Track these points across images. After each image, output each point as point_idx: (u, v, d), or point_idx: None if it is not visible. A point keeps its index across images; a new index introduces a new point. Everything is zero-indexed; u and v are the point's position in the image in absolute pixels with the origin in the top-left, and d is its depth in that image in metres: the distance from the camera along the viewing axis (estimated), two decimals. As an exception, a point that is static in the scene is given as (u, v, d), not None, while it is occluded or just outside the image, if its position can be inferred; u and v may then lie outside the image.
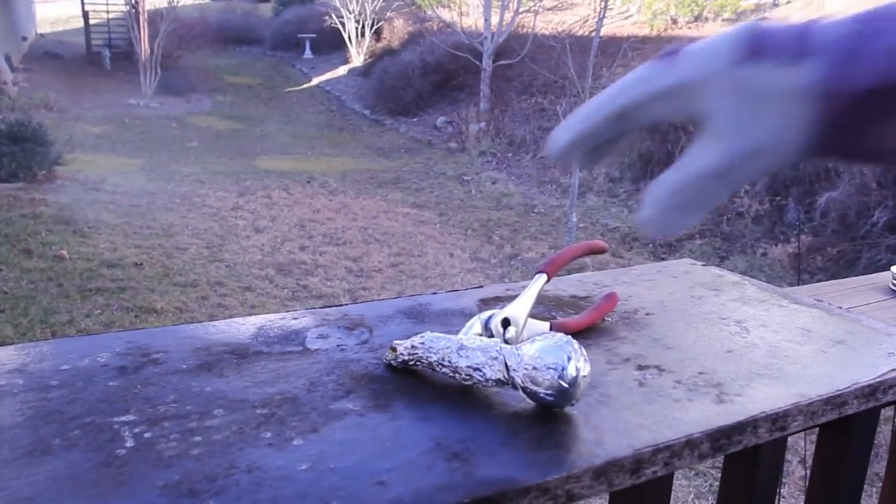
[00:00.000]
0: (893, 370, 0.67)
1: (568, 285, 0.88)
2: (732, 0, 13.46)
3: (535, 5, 13.21)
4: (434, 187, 9.35)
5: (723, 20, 13.32)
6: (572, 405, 0.54)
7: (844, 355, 0.70)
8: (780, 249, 6.62)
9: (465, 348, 0.57)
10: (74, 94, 12.93)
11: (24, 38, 17.30)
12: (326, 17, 16.88)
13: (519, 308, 0.70)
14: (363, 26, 16.81)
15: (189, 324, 0.68)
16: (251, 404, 0.54)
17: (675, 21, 13.67)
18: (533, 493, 0.46)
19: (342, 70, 17.17)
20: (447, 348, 0.58)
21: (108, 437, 0.49)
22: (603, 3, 7.79)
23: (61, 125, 9.96)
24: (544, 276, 0.75)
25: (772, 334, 0.74)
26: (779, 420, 0.59)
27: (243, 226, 6.96)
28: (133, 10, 14.56)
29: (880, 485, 0.99)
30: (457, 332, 0.63)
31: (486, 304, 0.80)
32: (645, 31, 13.33)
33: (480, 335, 0.67)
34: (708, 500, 3.21)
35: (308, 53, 18.72)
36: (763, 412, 0.58)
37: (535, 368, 0.53)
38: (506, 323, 0.68)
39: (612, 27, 13.34)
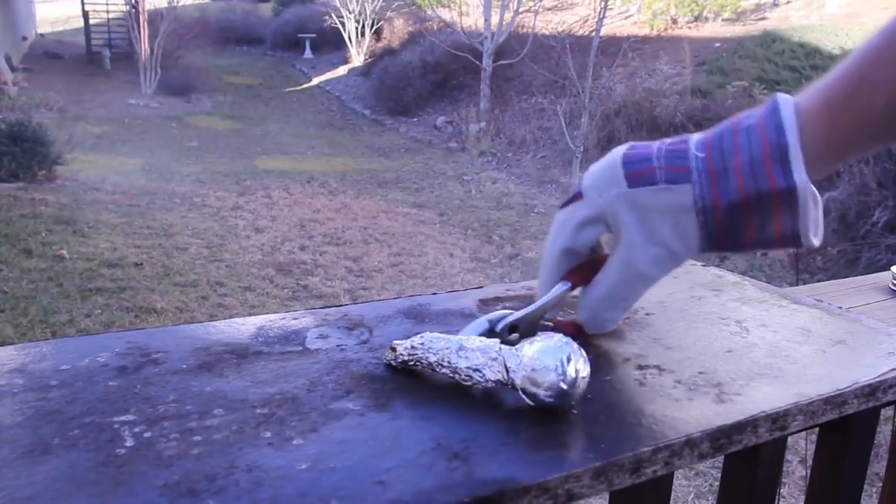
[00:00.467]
0: (893, 370, 0.67)
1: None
2: (732, 0, 13.47)
3: (535, 5, 13.21)
4: (434, 187, 9.35)
5: (723, 20, 13.33)
6: (572, 406, 0.54)
7: (844, 355, 0.70)
8: (780, 249, 6.61)
9: (465, 349, 0.58)
10: (74, 94, 12.93)
11: (24, 38, 17.31)
12: (326, 17, 16.88)
13: (530, 316, 0.68)
14: (363, 26, 16.81)
15: (189, 324, 0.68)
16: (251, 404, 0.54)
17: (675, 21, 13.67)
18: (533, 493, 0.46)
19: (342, 70, 17.17)
20: (447, 349, 0.58)
21: (107, 436, 0.49)
22: (603, 3, 7.79)
23: (61, 125, 9.97)
24: (567, 285, 0.70)
25: (772, 334, 0.74)
26: (779, 420, 0.59)
27: (243, 226, 6.96)
28: (133, 10, 14.57)
29: (880, 485, 0.99)
30: (457, 333, 0.63)
31: (486, 304, 0.80)
32: (645, 31, 13.34)
33: (484, 335, 0.66)
34: (708, 499, 3.21)
35: (308, 53, 18.72)
36: (763, 412, 0.58)
37: (534, 370, 0.53)
38: (513, 330, 0.68)
39: (612, 27, 13.34)
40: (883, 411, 0.75)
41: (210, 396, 0.55)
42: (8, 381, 0.56)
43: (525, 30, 13.23)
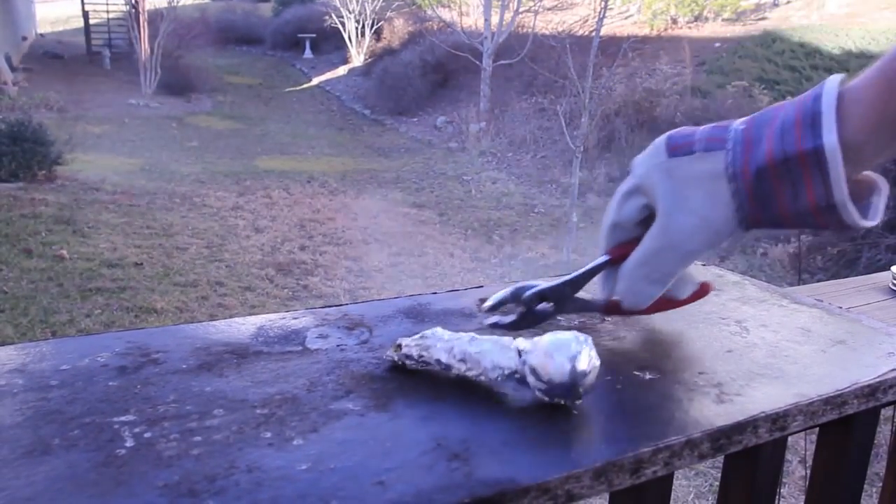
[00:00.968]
0: (893, 370, 0.67)
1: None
2: (732, 0, 13.47)
3: (535, 5, 13.21)
4: (434, 187, 9.35)
5: (723, 20, 13.33)
6: (578, 401, 0.55)
7: (844, 355, 0.70)
8: (781, 249, 6.62)
9: (477, 340, 0.58)
10: (74, 94, 12.93)
11: (24, 38, 17.30)
12: (326, 17, 16.88)
13: (560, 288, 0.68)
14: (363, 26, 16.81)
15: (189, 324, 0.68)
16: (251, 404, 0.54)
17: (675, 21, 13.67)
18: (533, 493, 0.46)
19: (342, 70, 17.17)
20: (458, 339, 0.59)
21: (107, 436, 0.49)
22: (603, 3, 7.79)
23: (61, 125, 9.97)
24: (605, 259, 0.69)
25: (772, 334, 0.74)
26: (779, 420, 0.59)
27: (243, 226, 6.96)
28: (133, 10, 14.56)
29: (880, 485, 0.99)
30: (457, 332, 0.63)
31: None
32: (645, 31, 13.34)
33: (506, 302, 0.68)
34: (708, 500, 3.21)
35: (308, 53, 18.72)
36: (763, 412, 0.58)
37: (545, 362, 0.53)
38: (542, 299, 0.67)
39: (612, 27, 13.34)
40: (883, 411, 0.75)
41: (210, 396, 0.55)
42: (8, 381, 0.56)
43: (525, 30, 13.23)
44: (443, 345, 0.59)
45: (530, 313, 0.69)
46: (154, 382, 0.57)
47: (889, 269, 1.11)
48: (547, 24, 13.81)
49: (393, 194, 8.80)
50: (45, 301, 4.76)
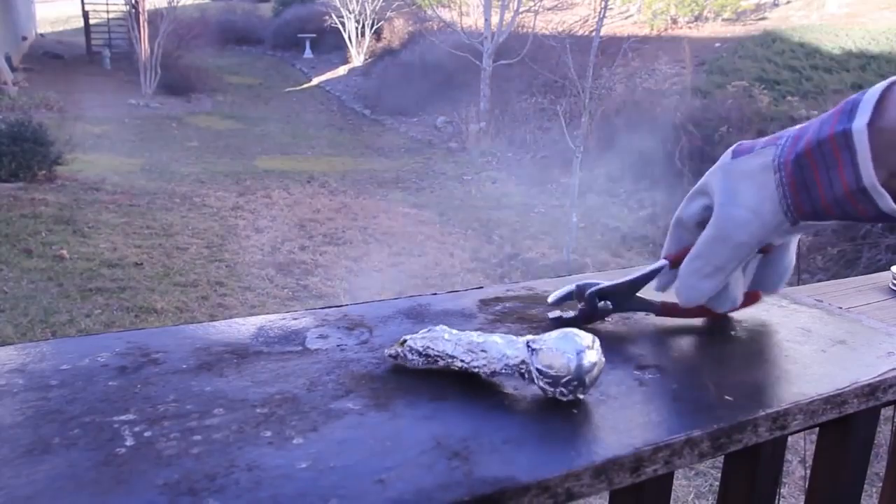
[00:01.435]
0: (893, 370, 0.67)
1: (568, 285, 0.88)
2: (732, 0, 13.47)
3: (535, 5, 13.22)
4: (434, 187, 9.36)
5: (723, 20, 13.33)
6: (581, 396, 0.55)
7: (844, 355, 0.70)
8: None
9: (484, 333, 0.59)
10: (75, 94, 12.93)
11: (24, 38, 17.30)
12: (326, 17, 16.89)
13: (619, 288, 0.71)
14: (363, 26, 16.82)
15: (189, 324, 0.68)
16: (251, 404, 0.54)
17: (675, 21, 13.68)
18: (533, 492, 0.46)
19: (342, 70, 17.18)
20: (464, 333, 0.60)
21: (108, 436, 0.49)
22: (603, 3, 7.80)
23: (61, 125, 9.97)
24: (664, 263, 0.72)
25: (772, 334, 0.74)
26: (779, 419, 0.59)
27: (243, 226, 6.96)
28: (133, 10, 14.57)
29: (880, 485, 0.99)
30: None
31: (486, 304, 0.80)
32: (645, 31, 13.34)
33: (569, 298, 0.72)
34: (708, 499, 3.21)
35: (308, 53, 18.72)
36: (763, 412, 0.58)
37: (554, 350, 0.54)
38: (602, 297, 0.71)
39: (612, 27, 13.35)
40: (883, 411, 0.75)
41: (210, 396, 0.55)
42: (8, 380, 0.56)
43: (525, 30, 13.23)
44: (450, 336, 0.59)
45: (591, 310, 0.72)
46: (154, 382, 0.57)
47: (889, 269, 1.11)
48: (547, 24, 13.81)
49: (393, 194, 8.80)
50: (45, 301, 4.76)
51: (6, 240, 5.72)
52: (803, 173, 0.60)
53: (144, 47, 14.12)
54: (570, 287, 0.72)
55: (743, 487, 0.73)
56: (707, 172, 0.70)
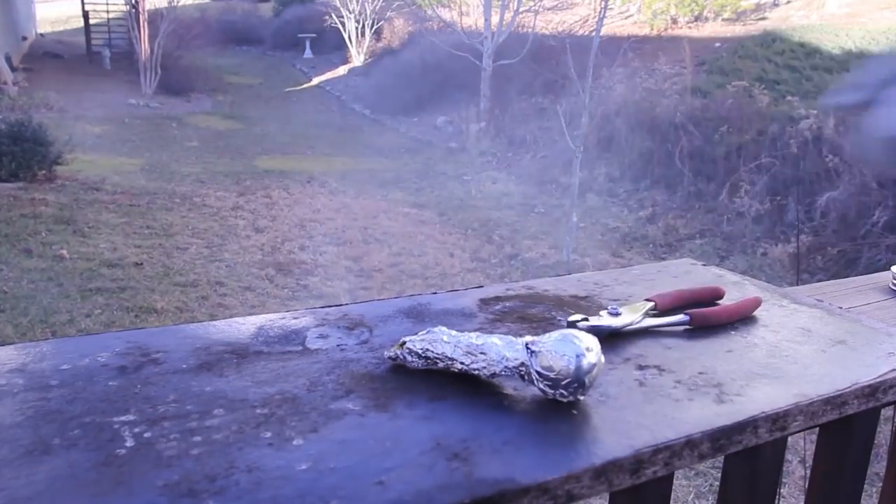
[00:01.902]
0: (893, 370, 0.67)
1: (568, 285, 0.88)
2: (732, 0, 13.46)
3: (535, 5, 13.21)
4: (434, 187, 9.35)
5: (723, 20, 13.32)
6: (581, 396, 0.55)
7: (844, 355, 0.70)
8: (781, 249, 6.62)
9: (483, 335, 0.59)
10: (74, 93, 12.93)
11: (25, 38, 17.30)
12: (326, 17, 16.88)
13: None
14: (363, 26, 16.81)
15: (189, 324, 0.68)
16: (251, 404, 0.54)
17: (675, 21, 13.67)
18: (533, 493, 0.46)
19: (342, 70, 17.17)
20: (463, 334, 0.59)
21: (108, 436, 0.49)
22: (603, 3, 7.79)
23: (61, 125, 9.96)
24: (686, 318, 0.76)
25: (772, 334, 0.74)
26: (779, 420, 0.59)
27: (243, 225, 6.96)
28: (133, 10, 14.56)
29: (880, 485, 0.99)
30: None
31: (486, 303, 0.80)
32: (645, 31, 13.33)
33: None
34: (708, 500, 3.21)
35: (308, 53, 18.72)
36: (763, 412, 0.58)
37: (553, 352, 0.54)
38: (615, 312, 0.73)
39: (612, 27, 13.34)
40: (883, 411, 0.75)
41: (210, 396, 0.55)
42: (8, 380, 0.56)
43: (525, 30, 13.22)
44: (449, 338, 0.59)
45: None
46: (154, 382, 0.57)
47: (889, 269, 1.11)
48: (547, 24, 13.81)
49: (393, 194, 8.80)
50: (45, 301, 4.76)
51: (6, 240, 5.72)
52: None
53: (144, 47, 14.11)
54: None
55: (743, 487, 0.72)
56: None
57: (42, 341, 0.63)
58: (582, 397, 0.55)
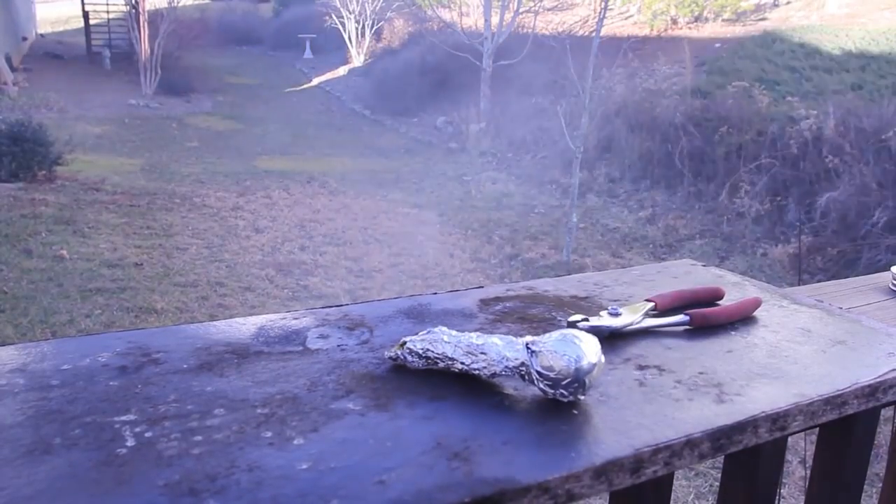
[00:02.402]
0: (893, 370, 0.67)
1: (569, 286, 0.88)
2: (732, 0, 13.46)
3: (535, 5, 13.21)
4: (434, 187, 9.35)
5: (723, 20, 13.33)
6: (581, 396, 0.55)
7: (844, 355, 0.70)
8: (781, 249, 6.62)
9: (483, 335, 0.59)
10: (75, 94, 12.93)
11: (25, 39, 17.30)
12: (326, 18, 16.89)
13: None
14: (363, 26, 16.81)
15: (189, 324, 0.68)
16: (252, 404, 0.54)
17: (675, 21, 13.67)
18: (533, 493, 0.46)
19: (342, 70, 17.17)
20: (464, 334, 0.59)
21: (108, 436, 0.49)
22: (603, 4, 7.79)
23: (61, 125, 9.97)
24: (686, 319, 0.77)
25: (772, 334, 0.74)
26: (779, 420, 0.59)
27: (243, 226, 6.96)
28: (133, 11, 14.56)
29: (880, 485, 0.99)
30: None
31: (486, 304, 0.80)
32: (645, 32, 13.34)
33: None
34: (708, 500, 3.21)
35: (308, 53, 18.72)
36: (763, 412, 0.58)
37: (553, 352, 0.54)
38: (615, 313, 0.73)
39: (612, 27, 13.34)
40: (883, 411, 0.75)
41: (211, 396, 0.55)
42: (9, 380, 0.56)
43: (525, 30, 13.22)
44: (449, 339, 0.59)
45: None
46: (155, 382, 0.57)
47: (889, 269, 1.11)
48: (547, 24, 13.81)
49: (393, 194, 8.80)
50: (45, 301, 4.76)
51: (6, 240, 5.72)
52: None
53: (144, 47, 14.11)
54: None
55: (743, 488, 0.73)
56: None
57: (43, 341, 0.63)
58: (582, 397, 0.55)
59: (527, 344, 0.56)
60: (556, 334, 0.56)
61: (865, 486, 0.80)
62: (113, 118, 12.02)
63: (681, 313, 0.75)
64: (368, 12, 16.61)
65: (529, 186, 9.41)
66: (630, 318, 0.73)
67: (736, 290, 0.88)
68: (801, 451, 3.33)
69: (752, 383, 0.62)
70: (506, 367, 0.57)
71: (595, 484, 0.49)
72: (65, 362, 0.59)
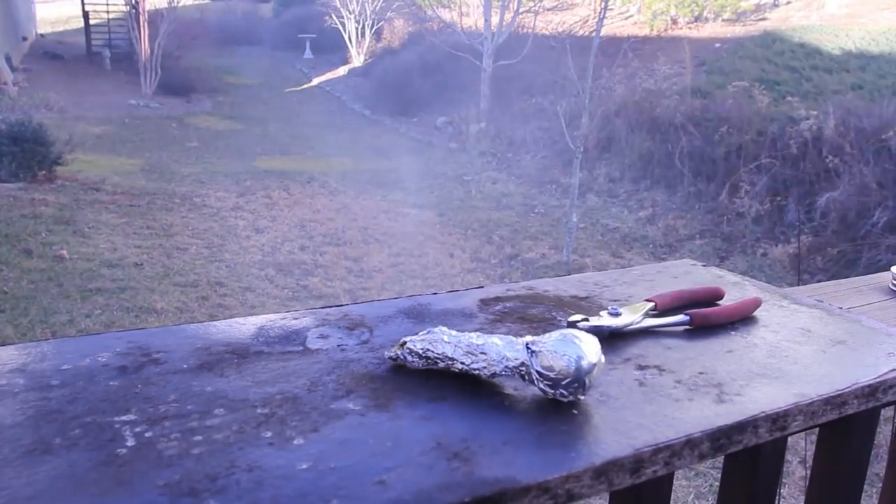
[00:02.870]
0: (893, 370, 0.67)
1: (569, 285, 0.88)
2: (732, 0, 13.47)
3: (535, 5, 13.21)
4: (434, 187, 9.35)
5: (723, 20, 13.33)
6: (581, 396, 0.55)
7: (844, 355, 0.70)
8: (781, 249, 6.62)
9: (483, 335, 0.59)
10: (74, 94, 12.93)
11: (25, 39, 17.30)
12: (326, 18, 16.89)
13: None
14: (363, 26, 16.82)
15: (189, 324, 0.68)
16: (252, 404, 0.54)
17: (675, 21, 13.67)
18: (533, 493, 0.46)
19: (342, 70, 17.17)
20: (464, 334, 0.59)
21: (108, 436, 0.49)
22: (603, 4, 7.79)
23: (61, 125, 9.96)
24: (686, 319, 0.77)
25: (772, 334, 0.74)
26: (779, 420, 0.59)
27: (243, 226, 6.96)
28: (133, 11, 14.56)
29: (880, 485, 0.99)
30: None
31: (486, 304, 0.80)
32: (645, 32, 13.34)
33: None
34: (708, 500, 3.21)
35: (308, 53, 18.72)
36: (763, 412, 0.58)
37: (553, 352, 0.54)
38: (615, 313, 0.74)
39: (612, 27, 13.34)
40: (883, 411, 0.75)
41: (211, 396, 0.55)
42: (9, 380, 0.56)
43: (525, 30, 13.22)
44: (449, 339, 0.59)
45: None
46: (155, 382, 0.57)
47: (889, 269, 1.11)
48: (547, 24, 13.81)
49: (393, 195, 8.80)
50: (45, 301, 4.76)
51: (6, 240, 5.72)
52: None
53: (144, 47, 14.11)
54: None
55: (743, 488, 0.73)
56: None
57: (43, 341, 0.63)
58: (582, 397, 0.55)
59: (527, 344, 0.56)
60: (556, 334, 0.56)
61: (865, 486, 0.80)
62: (113, 118, 12.02)
63: (681, 313, 0.75)
64: (368, 12, 16.61)
65: (529, 186, 9.41)
66: (630, 318, 0.73)
67: (736, 290, 0.88)
68: (801, 451, 3.33)
69: (752, 383, 0.62)
70: (506, 367, 0.57)
71: (595, 484, 0.49)
72: (65, 362, 0.59)
